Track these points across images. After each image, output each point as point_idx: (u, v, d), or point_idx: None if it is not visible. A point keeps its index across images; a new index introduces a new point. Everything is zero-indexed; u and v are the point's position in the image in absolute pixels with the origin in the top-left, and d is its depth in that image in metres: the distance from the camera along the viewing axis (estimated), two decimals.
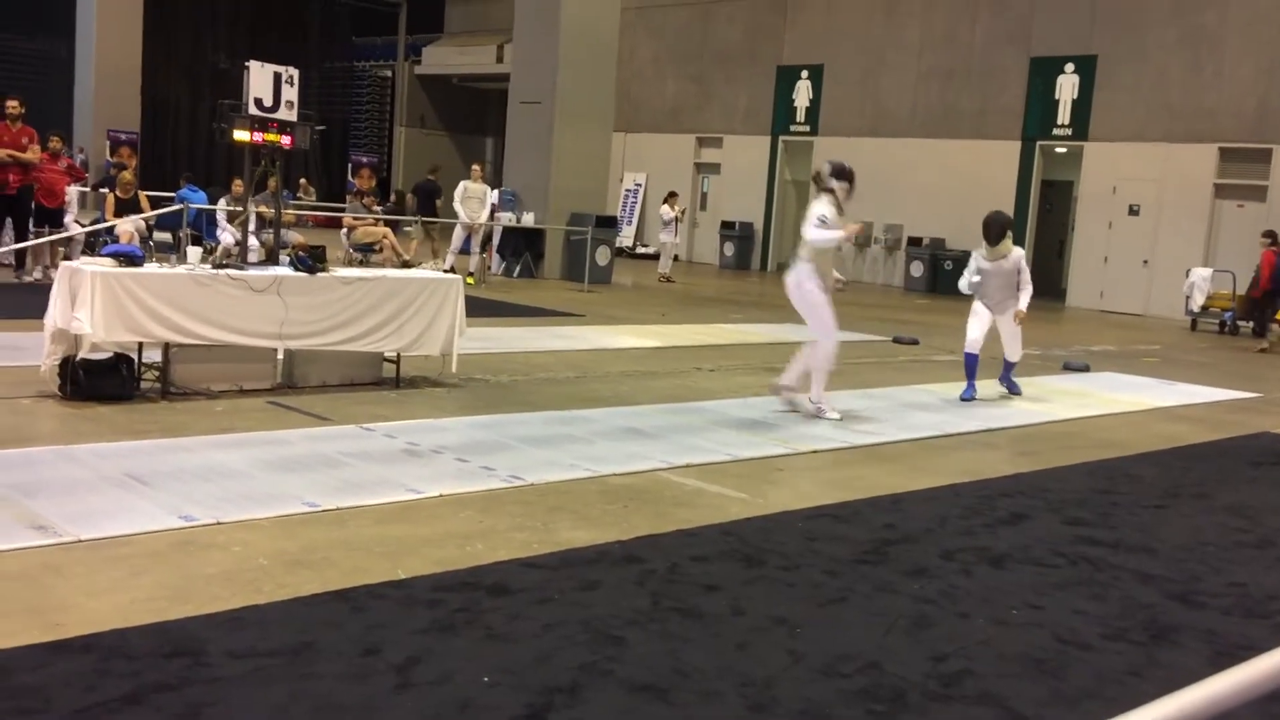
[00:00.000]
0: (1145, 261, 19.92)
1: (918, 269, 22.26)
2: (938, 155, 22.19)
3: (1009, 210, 21.01)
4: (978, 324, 9.14)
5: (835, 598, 4.28)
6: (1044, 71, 21.10)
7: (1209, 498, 6.46)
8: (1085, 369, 11.71)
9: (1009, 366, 9.47)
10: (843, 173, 7.65)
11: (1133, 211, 20.12)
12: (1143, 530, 5.60)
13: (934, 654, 3.78)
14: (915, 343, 12.92)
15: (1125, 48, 20.07)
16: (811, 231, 7.50)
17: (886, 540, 5.08)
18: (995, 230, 9.00)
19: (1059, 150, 21.51)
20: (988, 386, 9.42)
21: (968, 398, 9.06)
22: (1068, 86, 20.87)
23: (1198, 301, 17.86)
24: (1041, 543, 5.22)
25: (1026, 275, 9.13)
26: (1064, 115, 20.98)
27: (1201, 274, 17.98)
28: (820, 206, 7.53)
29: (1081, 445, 7.77)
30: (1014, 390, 9.44)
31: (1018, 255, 9.11)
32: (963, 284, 9.20)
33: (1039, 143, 21.35)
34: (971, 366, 9.15)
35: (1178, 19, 19.53)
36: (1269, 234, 16.26)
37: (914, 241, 22.44)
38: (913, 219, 22.47)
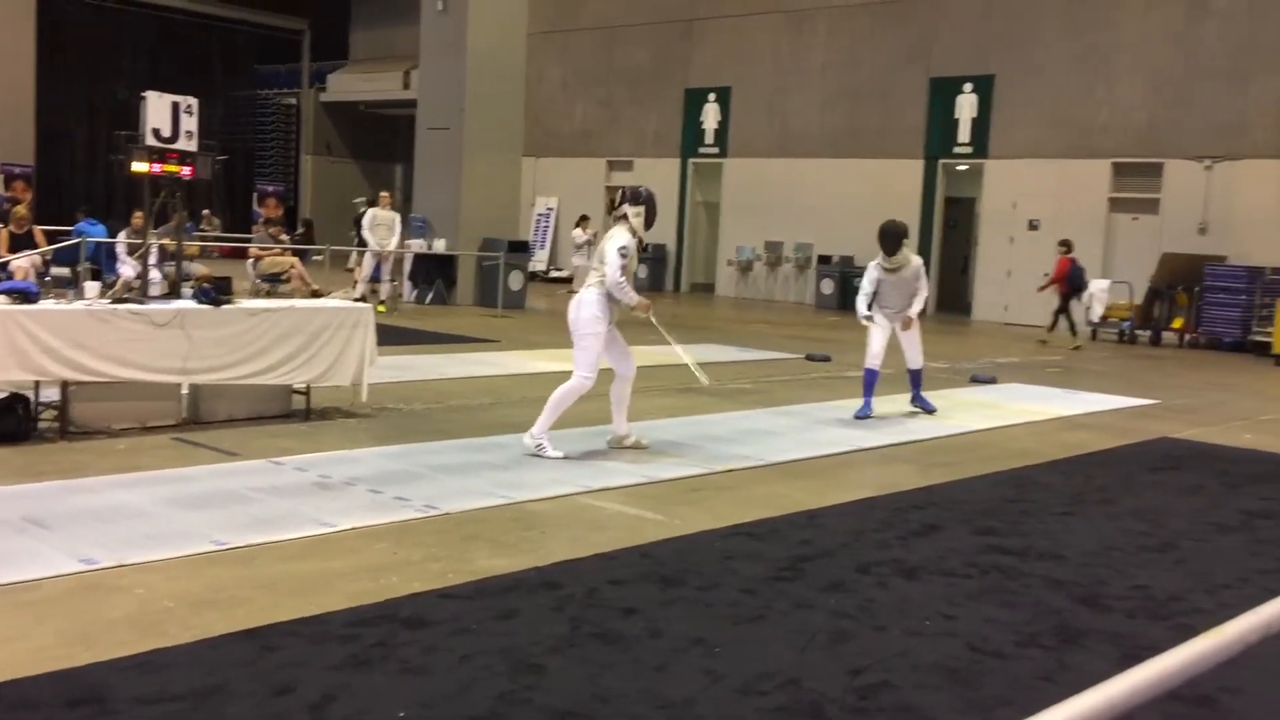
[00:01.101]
0: (1046, 274, 20.41)
1: (828, 286, 22.58)
2: (844, 174, 22.57)
3: (914, 228, 21.51)
4: (879, 336, 9.10)
5: (753, 616, 4.30)
6: (944, 91, 21.62)
7: (1113, 503, 6.63)
8: (992, 381, 11.97)
9: (916, 378, 9.43)
10: (639, 198, 7.13)
11: (1033, 226, 20.66)
12: (1051, 537, 5.73)
13: (851, 668, 3.82)
14: (827, 359, 13.09)
15: (1021, 67, 20.65)
16: (612, 272, 6.86)
17: (803, 556, 5.12)
18: (891, 240, 8.97)
19: (960, 168, 22.03)
20: (896, 405, 9.52)
21: (863, 415, 9.00)
22: (967, 105, 21.40)
23: (1097, 312, 18.38)
24: (954, 553, 5.31)
25: (924, 282, 9.13)
26: (964, 134, 21.50)
27: (1100, 285, 18.50)
28: (620, 236, 6.97)
29: (991, 455, 7.93)
30: (927, 408, 9.42)
31: (917, 264, 9.10)
32: (860, 303, 9.08)
33: (941, 161, 21.85)
34: (870, 382, 9.11)
35: (1070, 39, 20.17)
36: (1065, 242, 17.25)
37: (824, 260, 22.76)
38: (822, 237, 22.81)
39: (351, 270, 18.74)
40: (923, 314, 9.34)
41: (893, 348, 9.25)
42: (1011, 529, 5.85)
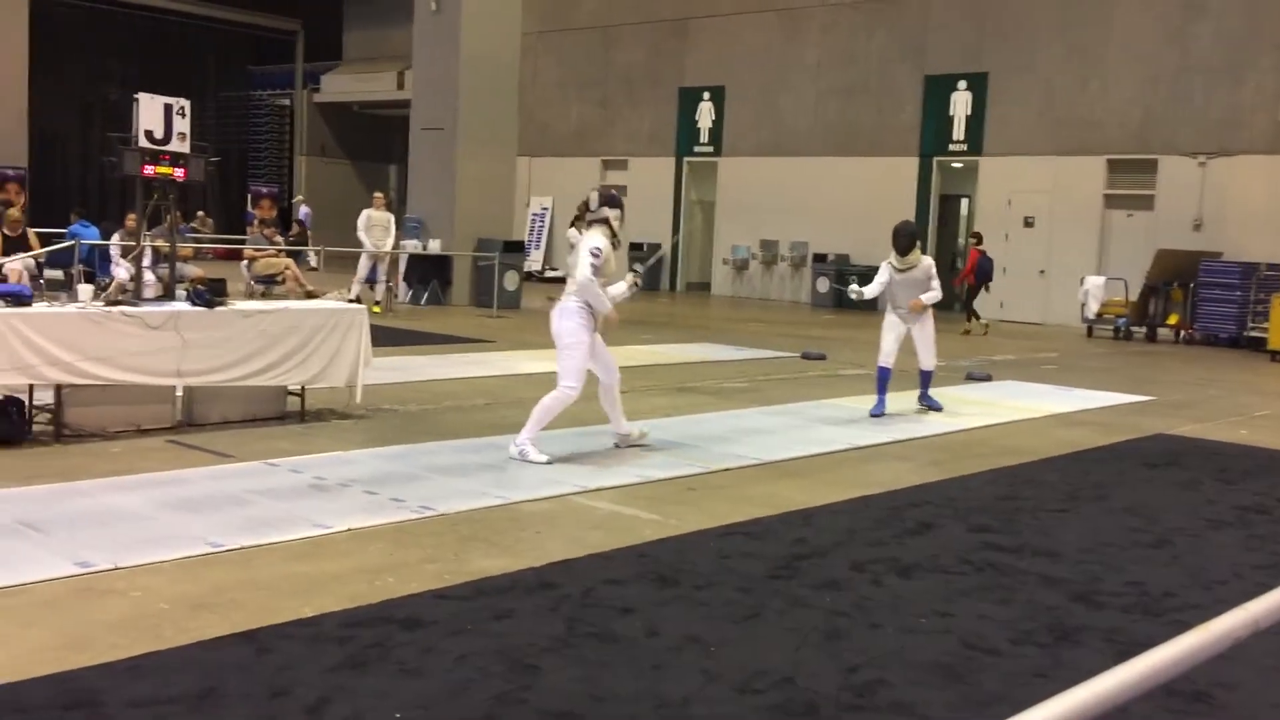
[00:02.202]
0: (1042, 271, 20.48)
1: (824, 285, 22.58)
2: (839, 172, 22.58)
3: None
4: (891, 336, 9.19)
5: (749, 614, 4.31)
6: (938, 88, 21.63)
7: (1108, 499, 6.64)
8: (987, 378, 11.98)
9: (926, 379, 9.51)
10: (613, 201, 7.04)
11: (1028, 223, 20.69)
12: (1045, 534, 5.74)
13: (846, 666, 3.82)
14: (823, 358, 13.10)
15: (1014, 64, 20.67)
16: (584, 274, 6.76)
17: (798, 555, 5.13)
18: (904, 240, 9.09)
19: (955, 165, 22.05)
20: (904, 402, 9.52)
21: (877, 414, 9.09)
22: (961, 103, 21.42)
23: (1092, 309, 18.41)
24: (948, 551, 5.31)
25: (936, 282, 9.24)
26: (959, 131, 21.52)
27: (1095, 282, 18.54)
28: (593, 238, 6.88)
29: (986, 453, 7.94)
30: (934, 407, 9.48)
31: (927, 264, 9.19)
32: (869, 289, 9.17)
33: (935, 158, 21.87)
34: (883, 380, 9.19)
35: (1063, 35, 20.19)
36: (976, 234, 18.59)
37: (819, 258, 22.77)
38: (817, 236, 22.82)
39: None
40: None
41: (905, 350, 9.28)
42: (1006, 526, 5.86)
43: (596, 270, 6.82)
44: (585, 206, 7.10)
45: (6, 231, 13.23)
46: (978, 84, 21.16)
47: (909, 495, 6.50)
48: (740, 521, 5.70)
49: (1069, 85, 20.13)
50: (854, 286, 9.37)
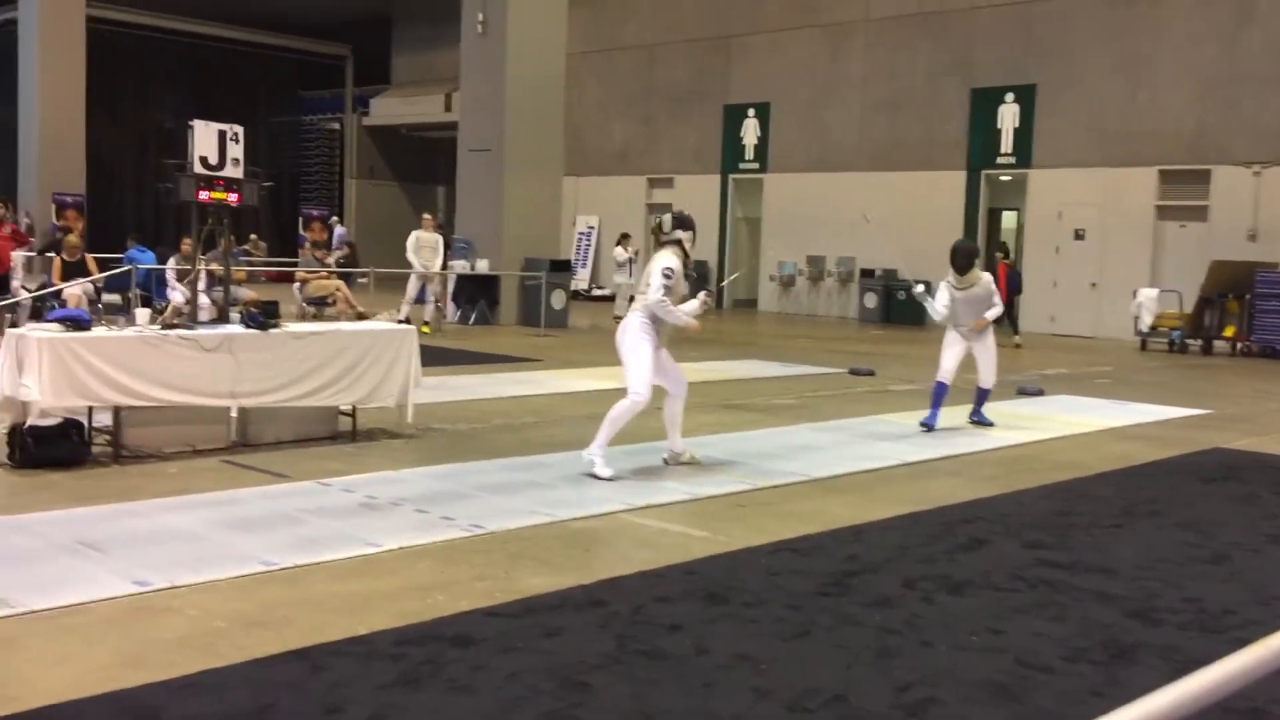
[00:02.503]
0: (1093, 284, 20.24)
1: (871, 300, 22.48)
2: (886, 187, 22.49)
3: (954, 239, 21.34)
4: (952, 353, 9.16)
5: (799, 632, 4.29)
6: (985, 102, 21.50)
7: (1163, 515, 6.54)
8: (1039, 393, 11.85)
9: (982, 396, 9.46)
10: (685, 223, 7.14)
11: (1078, 236, 20.47)
12: (1100, 550, 5.66)
13: (898, 683, 3.80)
14: (871, 374, 13.02)
15: (1062, 75, 20.50)
16: (655, 295, 6.88)
17: (848, 572, 5.10)
18: (963, 259, 9.05)
19: (1003, 178, 21.88)
20: (954, 418, 9.43)
21: (928, 424, 9.05)
22: (1009, 115, 21.26)
23: (1146, 322, 18.16)
24: (1001, 567, 5.26)
25: (996, 297, 9.22)
26: (1006, 144, 21.36)
27: (1148, 294, 18.30)
28: (665, 259, 6.98)
29: (1038, 468, 7.85)
30: (985, 423, 9.42)
31: (986, 280, 9.15)
32: (937, 313, 9.11)
33: (984, 172, 21.72)
34: (939, 395, 9.13)
35: (1111, 45, 19.99)
36: (1003, 247, 18.74)
37: (866, 273, 22.67)
38: (865, 251, 22.72)
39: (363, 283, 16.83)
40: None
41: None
42: (1060, 542, 5.79)
43: (668, 290, 6.91)
44: (659, 228, 7.22)
45: (65, 257, 13.52)
46: (1025, 96, 21.00)
47: (960, 511, 6.44)
48: (789, 538, 5.68)
49: (1118, 96, 19.92)
50: (918, 288, 9.39)
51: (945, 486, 7.20)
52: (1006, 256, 18.29)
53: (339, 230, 27.68)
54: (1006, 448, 8.69)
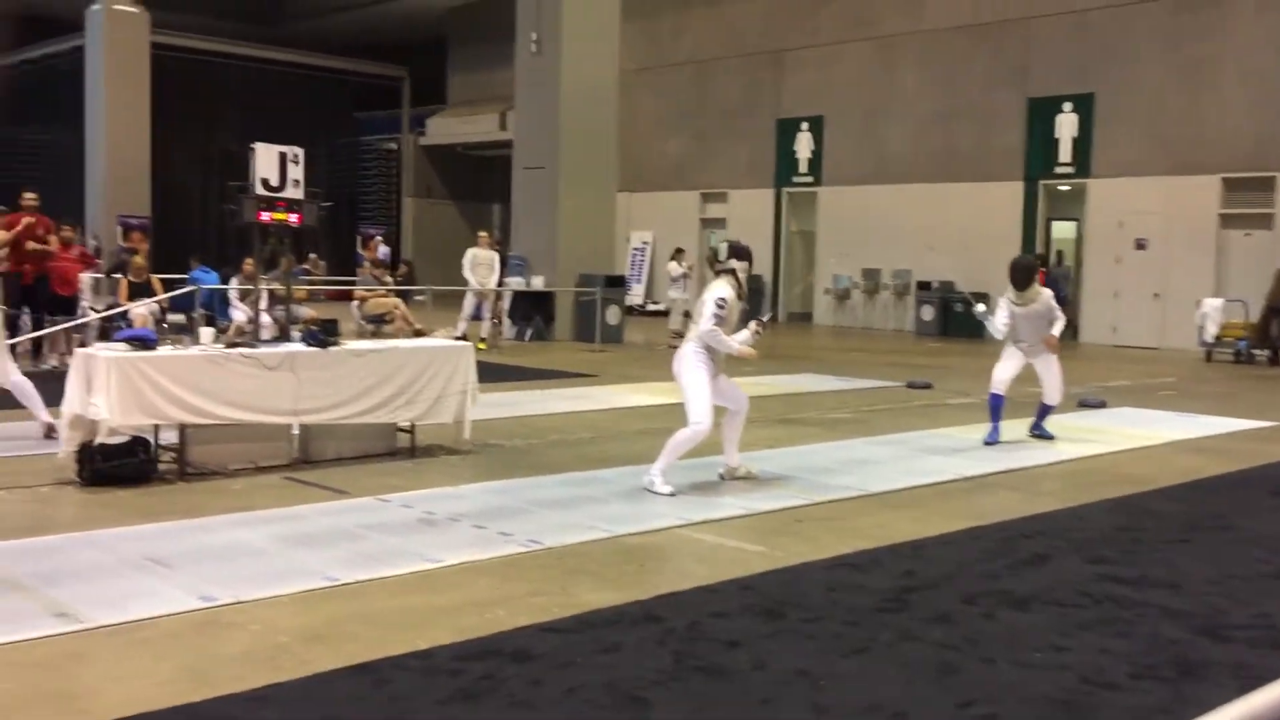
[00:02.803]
0: (1156, 294, 19.91)
1: (928, 313, 22.27)
2: (942, 199, 22.32)
3: (1011, 250, 21.13)
4: (1007, 366, 9.05)
5: (858, 648, 4.26)
6: (1042, 111, 21.27)
7: (1231, 529, 6.41)
8: (1102, 405, 11.67)
9: (1045, 411, 9.33)
10: (741, 253, 7.16)
11: (1140, 245, 20.15)
12: (1166, 565, 5.56)
13: (960, 700, 3.76)
14: (929, 387, 12.91)
15: (1121, 83, 20.22)
16: (706, 325, 6.92)
17: (907, 588, 5.06)
18: (1022, 275, 8.93)
19: (1062, 188, 21.61)
20: (1012, 431, 9.31)
21: (991, 441, 8.95)
22: (1067, 124, 21.01)
23: (1211, 332, 17.82)
24: (1064, 583, 5.18)
25: (1058, 311, 9.11)
26: (1065, 153, 21.10)
27: (1213, 304, 17.96)
28: (719, 289, 7.02)
29: (1101, 482, 7.73)
30: (1045, 437, 9.30)
31: (1047, 296, 9.03)
32: (998, 331, 8.99)
33: (1041, 182, 21.47)
34: (996, 408, 9.03)
35: (1172, 51, 19.69)
36: (1040, 256, 18.82)
37: (923, 285, 22.48)
38: (920, 263, 22.55)
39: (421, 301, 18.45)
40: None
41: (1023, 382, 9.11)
42: (1125, 558, 5.69)
43: (720, 320, 6.94)
44: (714, 256, 7.25)
45: (132, 278, 13.81)
46: (1084, 105, 20.75)
47: (1021, 526, 6.36)
48: (847, 553, 5.65)
49: (1180, 103, 19.61)
50: (979, 307, 9.31)
51: (1005, 501, 7.11)
52: (1044, 265, 18.32)
53: (383, 249, 27.89)
54: (1068, 461, 8.57)
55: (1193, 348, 18.50)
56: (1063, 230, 22.92)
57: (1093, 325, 20.82)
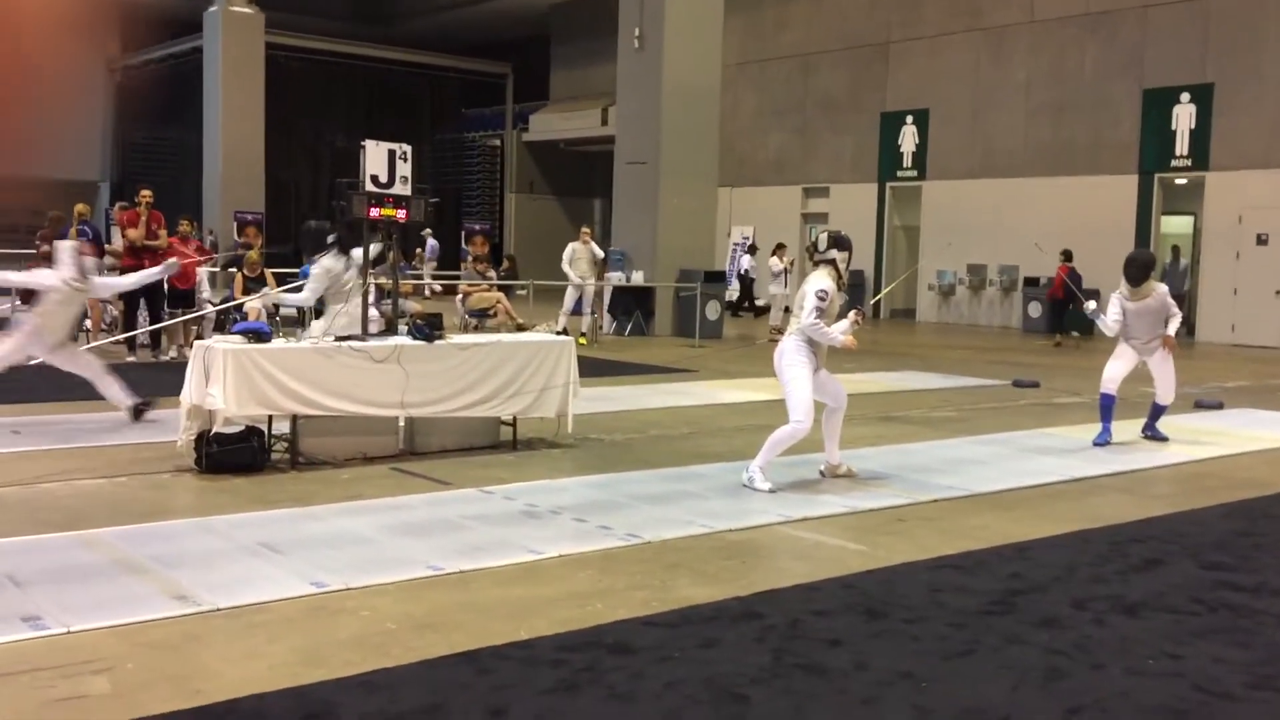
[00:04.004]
0: (1278, 292, 19.16)
1: (1035, 310, 21.77)
2: (1051, 193, 21.80)
3: (1125, 246, 20.53)
4: (1120, 364, 8.83)
5: (962, 650, 4.20)
6: (1158, 102, 20.62)
7: None
8: (1219, 406, 11.29)
9: (1158, 411, 9.07)
10: (842, 243, 7.07)
11: (1261, 241, 19.41)
12: None
13: (1068, 707, 3.68)
14: (1036, 385, 12.63)
15: (1242, 72, 19.50)
16: (808, 320, 6.86)
17: (1013, 590, 4.96)
18: (1138, 270, 8.71)
19: (1179, 182, 20.93)
20: (1124, 432, 9.07)
21: (1101, 442, 8.72)
22: (1184, 116, 20.34)
23: None
24: (1178, 589, 5.03)
25: (1174, 308, 8.85)
26: (1182, 146, 20.42)
27: None
28: (819, 280, 6.95)
29: (1218, 486, 7.48)
30: (1159, 438, 9.04)
31: (1162, 292, 8.79)
32: (1109, 328, 8.79)
33: (1157, 175, 20.81)
34: (1107, 407, 8.80)
35: None
36: (1065, 252, 18.75)
37: (1030, 282, 21.98)
38: (1029, 259, 22.01)
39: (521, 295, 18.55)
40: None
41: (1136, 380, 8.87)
42: (1243, 564, 5.50)
43: (821, 313, 6.87)
44: (813, 247, 7.20)
45: (246, 272, 14.22)
46: (1202, 96, 20.05)
47: (1133, 530, 6.19)
48: (951, 554, 5.56)
49: None
50: (1091, 306, 9.07)
51: (1116, 504, 6.93)
52: (1069, 260, 18.50)
53: (431, 243, 28.02)
54: (1182, 464, 8.31)
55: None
56: (1179, 225, 22.22)
57: (1210, 323, 20.12)
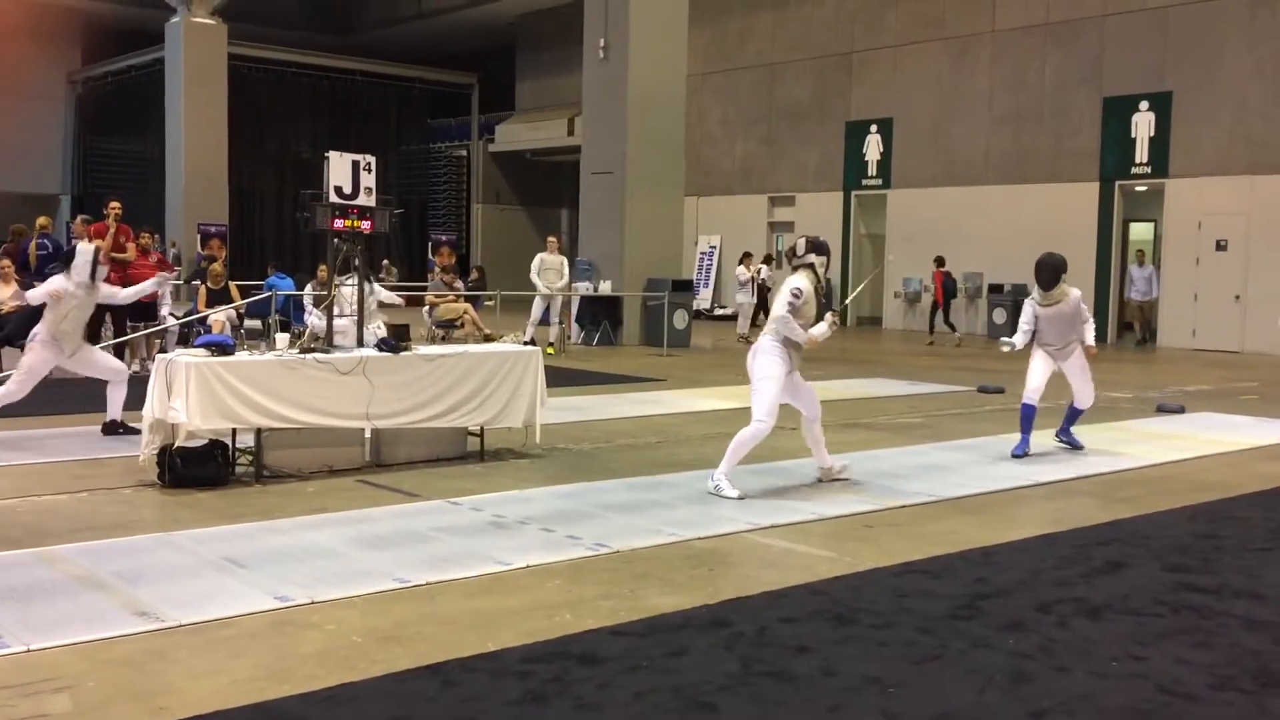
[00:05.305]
0: (1237, 297, 19.43)
1: (1000, 316, 21.91)
2: (1014, 200, 22.00)
3: (1091, 252, 20.74)
4: (1038, 374, 8.67)
5: (929, 655, 4.22)
6: (1118, 110, 20.86)
7: None
8: (1180, 410, 11.42)
9: (1073, 415, 8.97)
10: (819, 248, 7.16)
11: (1220, 247, 19.67)
12: (1248, 574, 5.42)
13: (1033, 710, 3.70)
14: (1001, 391, 12.72)
15: (1200, 81, 19.77)
16: (780, 312, 6.94)
17: (979, 595, 4.99)
18: (1047, 274, 8.55)
19: (1139, 189, 21.18)
20: (1085, 437, 9.13)
21: (1019, 454, 8.56)
22: (1144, 124, 20.58)
23: None
24: (1141, 591, 5.08)
25: (1087, 313, 8.73)
26: (1141, 153, 20.67)
27: None
28: (797, 280, 7.04)
29: (1180, 489, 7.57)
30: (1074, 445, 8.93)
31: (1075, 297, 8.62)
32: (1017, 339, 8.69)
33: (1117, 183, 21.05)
34: (1028, 417, 8.66)
35: (1254, 48, 19.21)
36: (938, 259, 20.94)
37: (995, 289, 22.16)
38: (992, 266, 22.22)
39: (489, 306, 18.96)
40: (1100, 344, 8.94)
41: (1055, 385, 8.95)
42: (1204, 566, 5.56)
43: (794, 310, 6.94)
44: (792, 251, 7.28)
45: (210, 285, 14.11)
46: (1161, 104, 20.31)
47: (1097, 533, 6.24)
48: (918, 560, 5.59)
49: (1262, 100, 19.11)
50: (1004, 339, 8.98)
51: (1079, 507, 6.99)
52: (942, 265, 20.72)
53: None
54: (1146, 467, 8.39)
55: (1275, 351, 18.02)
56: (1141, 231, 22.48)
57: (1171, 328, 20.36)
